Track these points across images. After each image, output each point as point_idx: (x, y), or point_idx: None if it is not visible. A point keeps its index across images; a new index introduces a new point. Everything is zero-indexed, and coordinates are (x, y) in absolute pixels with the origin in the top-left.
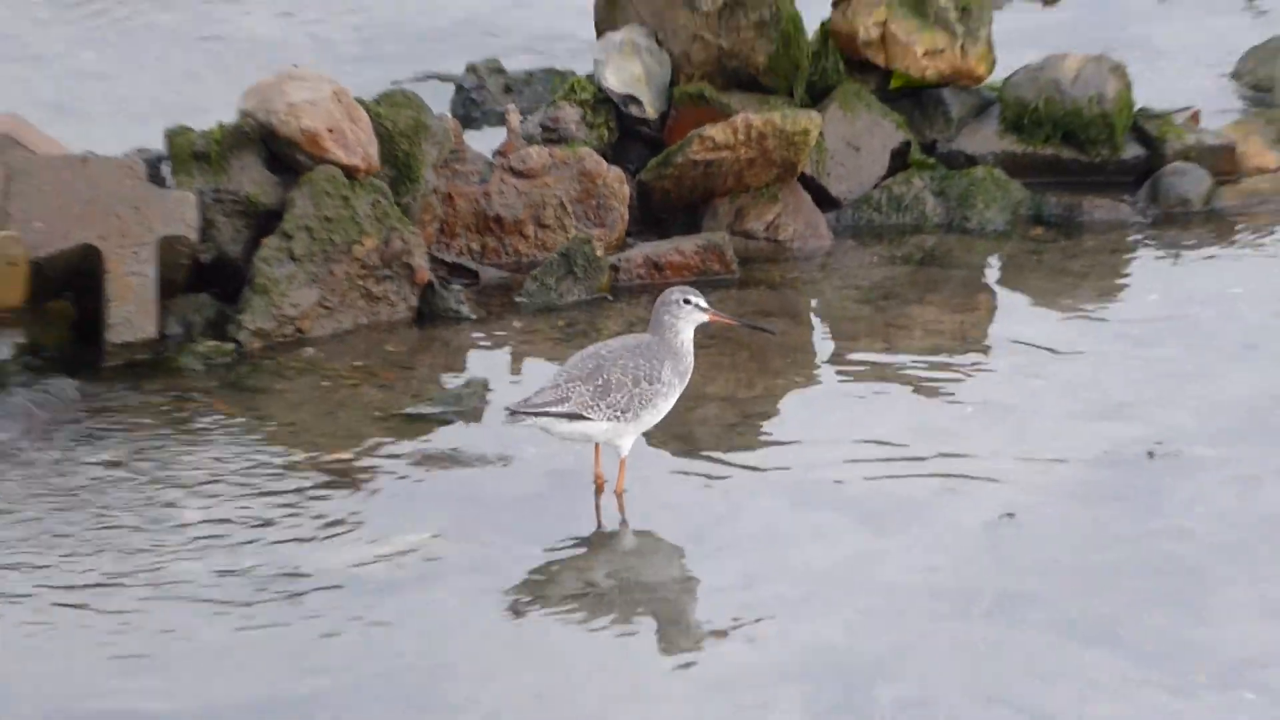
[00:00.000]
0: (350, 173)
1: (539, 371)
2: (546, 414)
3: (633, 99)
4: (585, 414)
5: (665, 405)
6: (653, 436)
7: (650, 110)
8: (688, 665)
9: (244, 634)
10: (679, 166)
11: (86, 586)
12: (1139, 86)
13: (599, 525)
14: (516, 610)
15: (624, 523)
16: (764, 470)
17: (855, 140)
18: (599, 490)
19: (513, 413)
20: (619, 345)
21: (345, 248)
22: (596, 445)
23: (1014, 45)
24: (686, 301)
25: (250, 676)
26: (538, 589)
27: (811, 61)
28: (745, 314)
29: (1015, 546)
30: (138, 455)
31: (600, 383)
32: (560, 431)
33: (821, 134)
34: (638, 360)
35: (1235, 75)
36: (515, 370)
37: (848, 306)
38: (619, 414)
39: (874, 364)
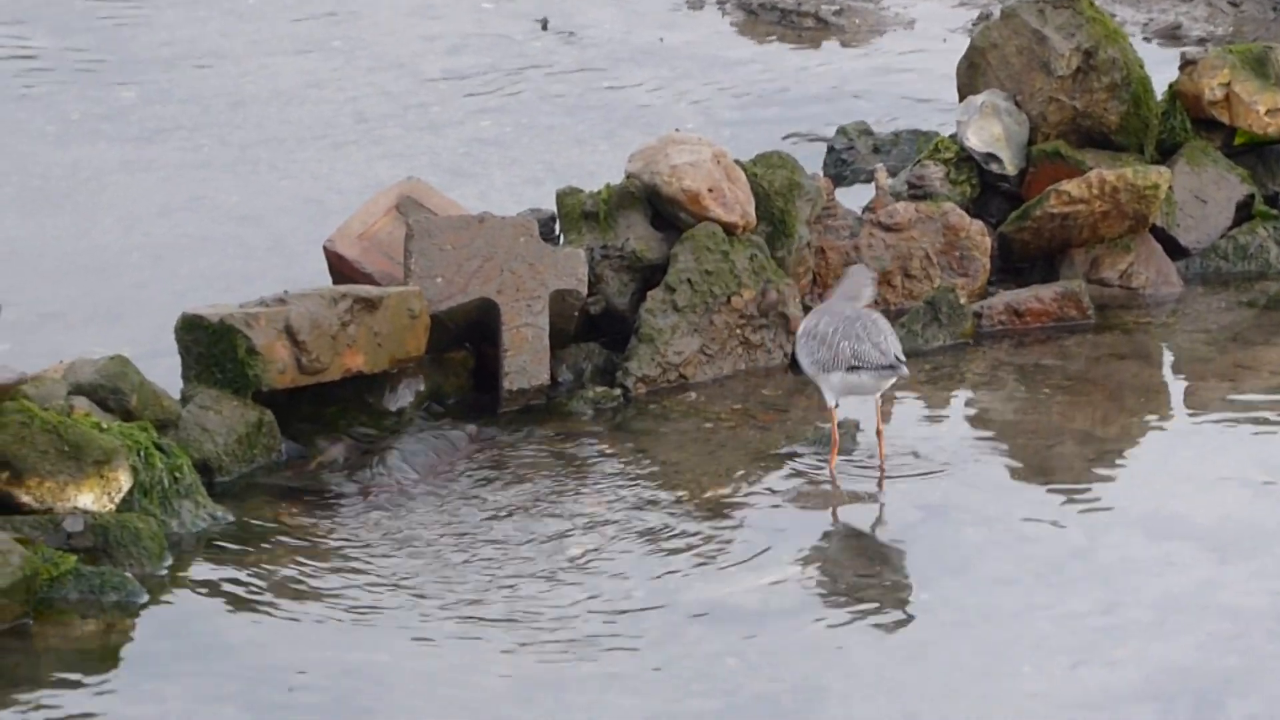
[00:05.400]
0: (729, 229)
1: (903, 412)
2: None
3: (993, 157)
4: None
5: None
6: (1013, 471)
7: (1010, 167)
8: (1050, 688)
9: (631, 660)
10: (1037, 219)
11: (481, 616)
12: None
13: (967, 556)
14: (886, 637)
15: (991, 554)
16: (1119, 503)
17: (1202, 193)
18: (881, 437)
19: (888, 366)
20: (849, 310)
21: (725, 299)
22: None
23: None
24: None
25: (638, 700)
26: (906, 616)
27: (1160, 121)
28: (1101, 357)
29: None
30: (530, 493)
31: (891, 331)
32: (890, 382)
33: (1170, 188)
34: (880, 320)
35: None
36: (884, 412)
37: (1197, 349)
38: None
39: (1223, 402)
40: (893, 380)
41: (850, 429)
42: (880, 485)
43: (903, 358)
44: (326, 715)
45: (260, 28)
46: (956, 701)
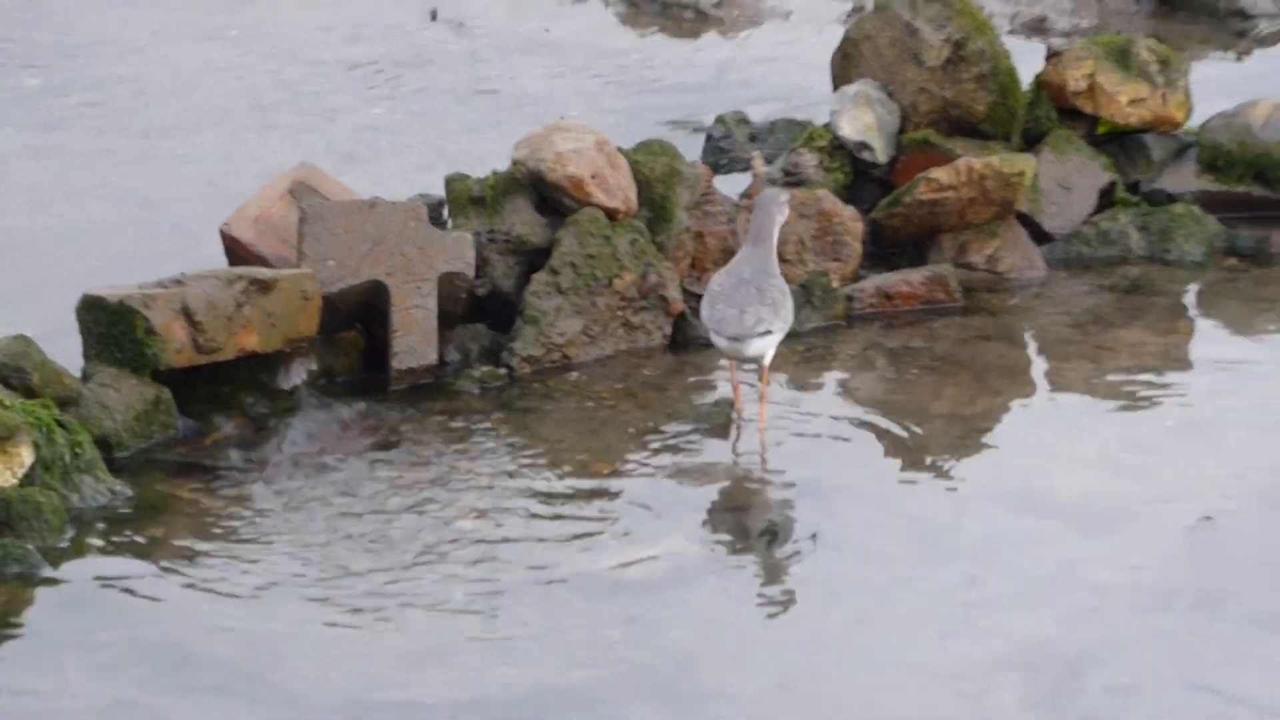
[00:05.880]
0: (611, 214)
1: (777, 391)
2: (768, 334)
3: (865, 145)
4: (773, 329)
5: None
6: (883, 449)
7: (881, 156)
8: (918, 658)
9: (517, 631)
10: (907, 206)
11: (372, 589)
12: None
13: (840, 532)
14: (762, 609)
15: (862, 529)
16: (985, 480)
17: (1066, 181)
18: (741, 415)
19: (736, 339)
20: (750, 269)
21: (607, 282)
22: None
23: (1210, 93)
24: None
25: (524, 669)
26: (782, 589)
27: (1026, 110)
28: (968, 338)
29: (1214, 548)
30: (417, 469)
31: (770, 301)
32: (750, 351)
33: (1036, 175)
34: (772, 278)
35: None
36: (766, 380)
37: (1060, 331)
38: (785, 325)
39: (1085, 383)
40: (753, 349)
41: (725, 407)
42: (762, 450)
43: (764, 329)
44: (223, 685)
45: (159, 17)
46: (829, 672)
